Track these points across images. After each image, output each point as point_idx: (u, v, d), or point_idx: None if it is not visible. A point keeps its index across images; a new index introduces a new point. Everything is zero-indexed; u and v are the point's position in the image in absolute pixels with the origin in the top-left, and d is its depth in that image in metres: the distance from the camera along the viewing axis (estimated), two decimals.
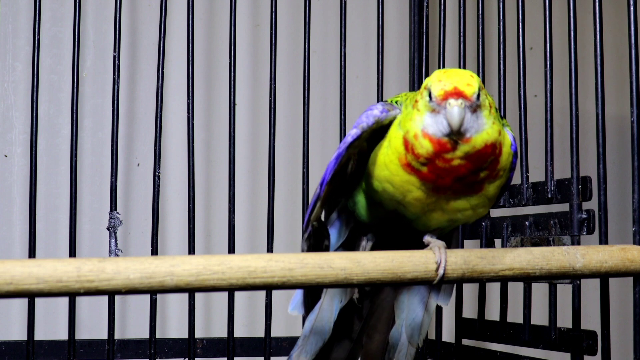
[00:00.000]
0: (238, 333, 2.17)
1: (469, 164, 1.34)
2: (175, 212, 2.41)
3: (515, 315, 1.97)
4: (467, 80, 1.32)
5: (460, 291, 2.08)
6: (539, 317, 2.01)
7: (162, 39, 2.02)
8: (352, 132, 1.45)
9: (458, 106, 1.30)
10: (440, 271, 1.41)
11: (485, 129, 1.33)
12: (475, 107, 1.32)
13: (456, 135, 1.31)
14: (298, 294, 1.67)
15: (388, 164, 1.41)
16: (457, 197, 1.40)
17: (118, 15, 2.00)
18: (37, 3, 1.97)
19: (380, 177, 1.44)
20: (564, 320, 1.84)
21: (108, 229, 1.95)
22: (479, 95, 1.32)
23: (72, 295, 1.28)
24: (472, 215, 1.45)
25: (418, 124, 1.35)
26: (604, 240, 1.67)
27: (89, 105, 2.36)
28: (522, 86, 1.89)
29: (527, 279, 1.52)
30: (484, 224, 1.96)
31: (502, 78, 1.95)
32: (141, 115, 2.41)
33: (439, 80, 1.33)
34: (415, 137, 1.35)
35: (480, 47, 2.01)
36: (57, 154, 2.32)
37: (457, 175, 1.35)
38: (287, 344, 2.12)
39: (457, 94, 1.30)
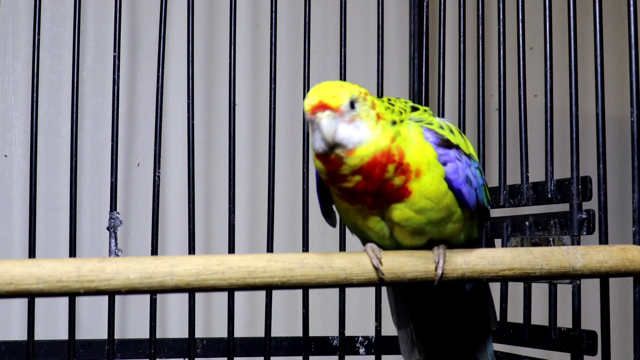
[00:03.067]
0: (238, 333, 2.17)
1: (369, 178, 1.32)
2: (175, 212, 2.41)
3: (515, 315, 1.97)
4: (333, 93, 1.31)
5: None
6: (539, 317, 2.01)
7: (162, 39, 2.02)
8: (315, 170, 1.46)
9: (326, 118, 1.29)
10: (439, 271, 1.41)
11: (370, 140, 1.31)
12: (351, 118, 1.31)
13: (334, 147, 1.30)
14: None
15: (332, 192, 1.42)
16: (390, 207, 1.37)
17: (118, 15, 2.00)
18: (37, 3, 1.97)
19: (337, 208, 1.45)
20: (564, 320, 1.84)
21: (108, 229, 1.95)
22: (352, 105, 1.31)
23: (72, 295, 1.28)
24: (436, 219, 1.40)
25: (312, 147, 1.35)
26: (604, 240, 1.67)
27: (89, 105, 2.36)
28: (522, 86, 1.89)
29: (527, 279, 1.52)
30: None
31: (502, 78, 1.95)
32: (141, 115, 2.41)
33: (308, 97, 1.32)
34: (314, 161, 1.36)
35: (480, 47, 2.01)
36: (57, 154, 2.32)
37: (368, 191, 1.34)
38: (287, 344, 2.12)
39: (323, 106, 1.30)
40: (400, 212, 1.38)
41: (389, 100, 1.40)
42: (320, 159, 1.33)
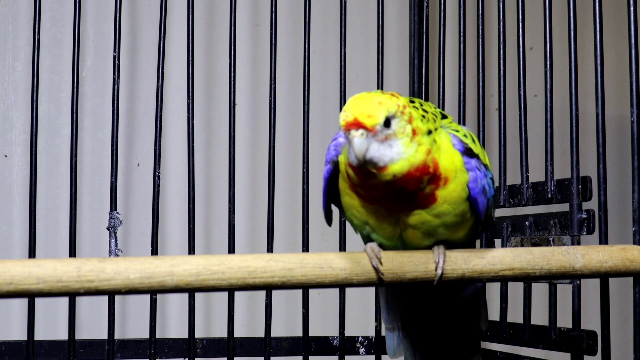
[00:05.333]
0: (238, 333, 2.17)
1: (400, 190, 1.32)
2: (175, 212, 2.41)
3: (515, 315, 1.97)
4: (369, 111, 1.27)
5: None
6: (539, 317, 2.01)
7: (162, 39, 2.02)
8: (326, 168, 1.45)
9: (358, 137, 1.27)
10: (438, 271, 1.41)
11: (403, 157, 1.29)
12: (384, 137, 1.29)
13: (366, 164, 1.29)
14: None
15: (345, 190, 1.41)
16: (411, 212, 1.37)
17: (118, 15, 2.00)
18: (37, 3, 1.97)
19: (346, 205, 1.44)
20: (564, 320, 1.84)
21: (108, 229, 1.95)
22: (388, 123, 1.28)
23: (72, 295, 1.28)
24: (450, 223, 1.40)
25: (346, 152, 1.35)
26: (604, 240, 1.67)
27: (89, 105, 2.36)
28: (522, 86, 1.89)
29: (527, 279, 1.52)
30: None
31: (502, 78, 1.95)
32: (141, 115, 2.41)
33: (344, 110, 1.29)
34: (345, 165, 1.36)
35: (480, 47, 2.01)
36: (57, 154, 2.32)
37: (396, 200, 1.34)
38: (287, 344, 2.12)
39: (357, 124, 1.26)
40: (419, 216, 1.38)
41: (421, 105, 1.38)
42: (353, 169, 1.33)
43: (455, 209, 1.39)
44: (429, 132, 1.33)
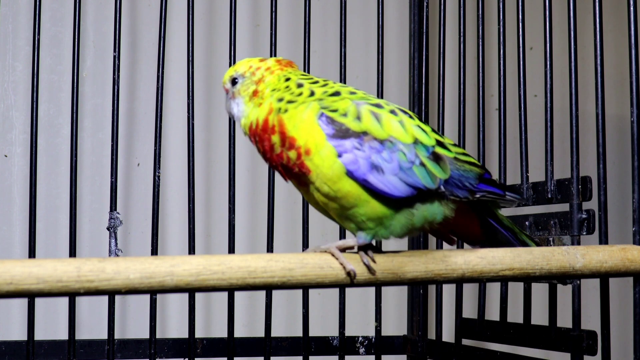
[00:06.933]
0: (238, 333, 2.17)
1: (262, 147, 1.42)
2: (175, 212, 2.41)
3: (515, 315, 1.97)
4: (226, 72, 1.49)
5: (460, 291, 2.08)
6: (539, 317, 2.01)
7: (162, 39, 2.02)
8: None
9: (225, 95, 1.51)
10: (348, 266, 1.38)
11: (244, 113, 1.45)
12: (232, 94, 1.47)
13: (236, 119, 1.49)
14: None
15: None
16: (310, 189, 1.38)
17: (118, 15, 2.00)
18: (37, 3, 1.97)
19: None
20: (564, 320, 1.84)
21: (108, 229, 1.95)
22: (234, 82, 1.46)
23: (72, 295, 1.28)
24: (348, 205, 1.35)
25: None
26: (604, 240, 1.67)
27: (89, 105, 2.36)
28: (522, 86, 1.89)
29: (527, 279, 1.52)
30: None
31: (502, 78, 1.95)
32: (141, 115, 2.41)
33: None
34: None
35: (480, 47, 2.01)
36: (57, 154, 2.32)
37: (276, 162, 1.40)
38: (287, 344, 2.12)
39: None
40: (318, 195, 1.37)
41: (312, 80, 1.44)
42: None
43: (337, 190, 1.35)
44: (280, 100, 1.40)
